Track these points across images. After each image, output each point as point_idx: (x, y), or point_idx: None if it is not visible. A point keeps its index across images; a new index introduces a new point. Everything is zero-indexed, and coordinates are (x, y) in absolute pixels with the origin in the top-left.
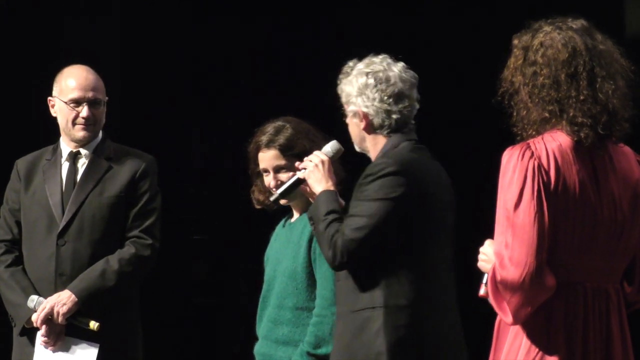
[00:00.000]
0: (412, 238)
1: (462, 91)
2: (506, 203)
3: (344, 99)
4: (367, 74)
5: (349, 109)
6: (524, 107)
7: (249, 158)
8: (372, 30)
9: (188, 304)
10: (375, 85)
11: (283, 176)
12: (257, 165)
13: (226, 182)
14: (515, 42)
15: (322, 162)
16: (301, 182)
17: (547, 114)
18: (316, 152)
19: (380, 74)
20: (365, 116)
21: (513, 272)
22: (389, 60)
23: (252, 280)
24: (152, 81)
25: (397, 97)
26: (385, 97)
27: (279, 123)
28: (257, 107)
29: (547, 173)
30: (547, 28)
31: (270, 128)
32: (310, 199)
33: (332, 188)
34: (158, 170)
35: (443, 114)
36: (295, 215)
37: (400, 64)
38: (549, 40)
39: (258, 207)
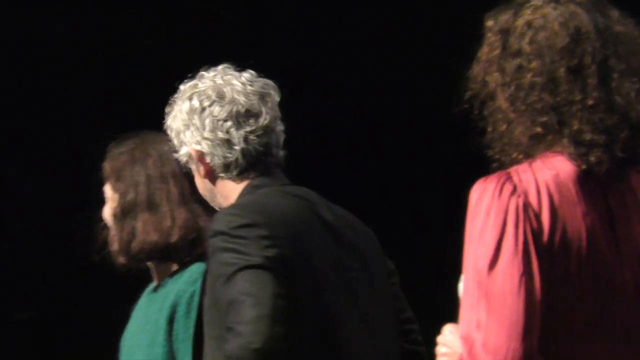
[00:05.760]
0: None
1: (412, 99)
2: (477, 262)
3: (175, 142)
4: (190, 96)
5: (181, 152)
6: (503, 118)
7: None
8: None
9: None
10: (203, 108)
11: None
12: None
13: (63, 235)
14: (490, 23)
15: None
16: None
17: (538, 129)
18: None
19: (210, 91)
20: (200, 156)
21: None
22: (230, 71)
23: None
24: None
25: (239, 117)
26: (220, 122)
27: None
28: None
29: (538, 217)
30: (537, 1)
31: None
32: None
33: None
34: None
35: (382, 130)
36: (155, 281)
37: (248, 74)
38: (539, 18)
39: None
